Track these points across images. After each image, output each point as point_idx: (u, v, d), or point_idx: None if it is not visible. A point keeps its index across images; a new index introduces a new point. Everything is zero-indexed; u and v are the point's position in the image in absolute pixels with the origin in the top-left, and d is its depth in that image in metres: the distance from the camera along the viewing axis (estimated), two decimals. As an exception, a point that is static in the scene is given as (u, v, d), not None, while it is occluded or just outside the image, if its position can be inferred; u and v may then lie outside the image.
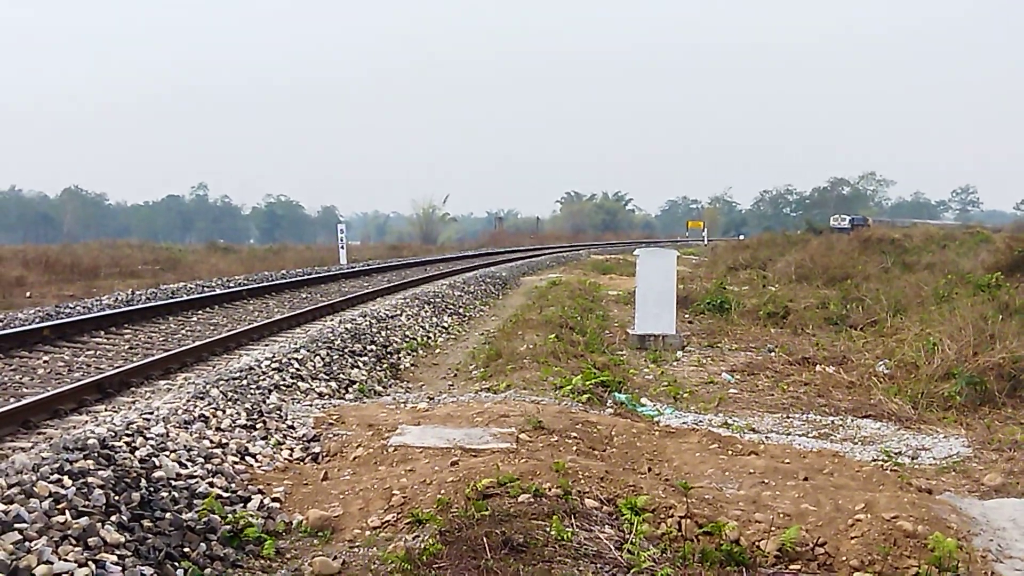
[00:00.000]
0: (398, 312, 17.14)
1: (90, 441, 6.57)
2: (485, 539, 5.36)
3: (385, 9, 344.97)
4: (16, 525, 5.23)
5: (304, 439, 8.35)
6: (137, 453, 6.76)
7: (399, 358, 13.83)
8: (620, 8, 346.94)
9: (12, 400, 9.48)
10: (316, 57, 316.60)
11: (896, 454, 9.12)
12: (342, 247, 39.42)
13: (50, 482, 5.78)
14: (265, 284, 23.51)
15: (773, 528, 6.41)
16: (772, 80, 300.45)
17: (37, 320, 15.20)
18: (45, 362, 12.04)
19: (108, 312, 15.96)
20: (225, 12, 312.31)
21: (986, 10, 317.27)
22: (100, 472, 6.13)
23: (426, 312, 18.23)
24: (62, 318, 15.31)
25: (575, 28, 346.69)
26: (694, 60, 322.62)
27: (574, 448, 7.88)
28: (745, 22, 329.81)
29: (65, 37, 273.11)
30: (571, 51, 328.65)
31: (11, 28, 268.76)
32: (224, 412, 8.51)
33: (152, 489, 6.25)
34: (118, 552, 5.37)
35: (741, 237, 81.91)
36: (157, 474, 6.51)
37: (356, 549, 5.98)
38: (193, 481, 6.65)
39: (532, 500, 6.31)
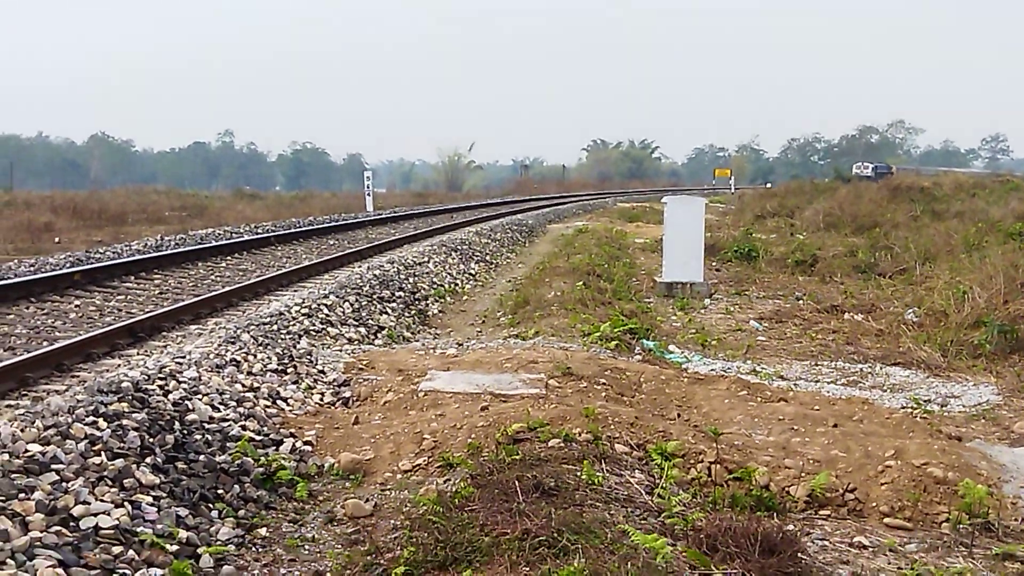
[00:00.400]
0: (425, 259, 17.15)
1: (124, 384, 6.63)
2: (517, 482, 5.38)
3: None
4: (53, 466, 5.30)
5: (334, 384, 8.40)
6: (170, 396, 6.81)
7: (427, 304, 13.86)
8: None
9: (45, 344, 9.55)
10: (341, 6, 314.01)
11: (925, 402, 9.12)
12: (368, 194, 39.38)
13: (86, 424, 5.84)
14: (292, 231, 23.53)
15: (803, 474, 6.44)
16: (800, 25, 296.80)
17: (67, 265, 15.24)
18: (76, 306, 12.09)
19: (138, 257, 16.02)
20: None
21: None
22: (134, 415, 6.18)
23: (453, 259, 18.23)
24: (92, 263, 15.36)
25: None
26: (721, 5, 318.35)
27: (603, 394, 7.90)
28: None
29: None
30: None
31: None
32: (255, 357, 8.55)
33: (186, 432, 6.31)
34: (153, 494, 5.43)
35: (768, 185, 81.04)
36: (190, 417, 6.56)
37: (388, 492, 6.04)
38: (226, 424, 6.71)
39: (562, 445, 6.34)
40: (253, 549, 5.29)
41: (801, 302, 15.05)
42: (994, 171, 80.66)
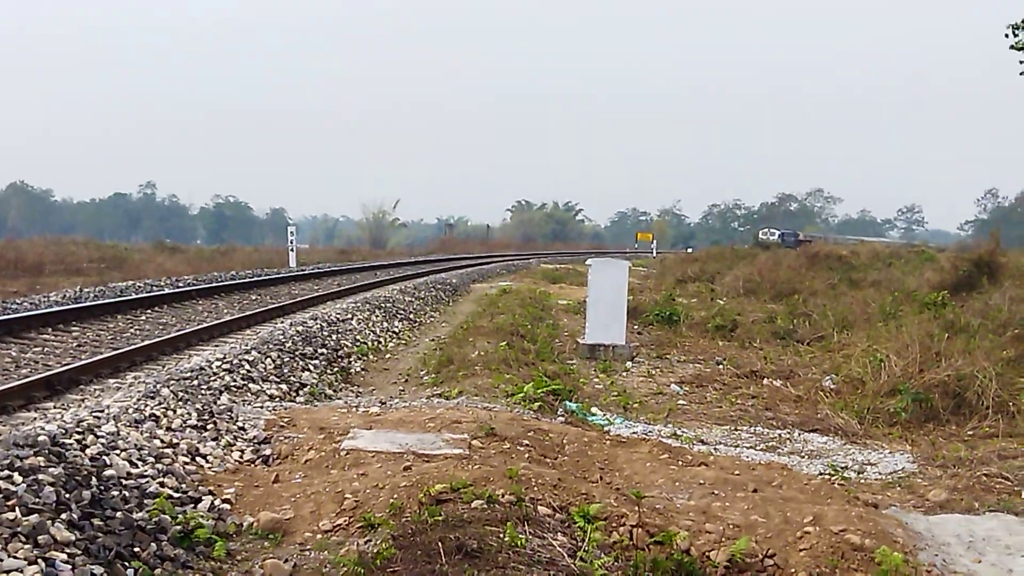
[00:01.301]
0: (349, 316, 17.09)
1: (40, 438, 6.50)
2: (439, 544, 5.36)
3: (332, 10, 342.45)
4: (-35, 521, 5.18)
5: (255, 441, 8.29)
6: (88, 451, 6.70)
7: (350, 362, 13.78)
8: (570, 21, 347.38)
9: (-47, 396, 9.36)
10: (267, 59, 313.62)
11: (843, 468, 9.23)
12: (292, 250, 39.17)
13: (0, 478, 5.71)
14: (214, 285, 23.33)
15: (723, 539, 6.47)
16: (723, 96, 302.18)
17: (-21, 315, 14.99)
18: (-10, 359, 11.90)
19: (56, 309, 15.79)
20: (178, 10, 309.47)
21: (929, 32, 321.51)
22: (51, 469, 6.06)
23: (377, 317, 18.18)
24: (8, 314, 15.11)
25: (525, 39, 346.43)
26: (644, 74, 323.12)
27: (526, 455, 7.90)
28: (696, 40, 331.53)
29: (6, 28, 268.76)
30: (521, 62, 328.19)
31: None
32: (175, 412, 8.44)
33: (103, 488, 6.19)
34: (68, 550, 5.32)
35: (690, 250, 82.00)
36: (108, 473, 6.45)
37: (307, 552, 5.96)
38: (144, 480, 6.60)
39: (485, 506, 6.32)
40: (169, 609, 5.20)
41: (721, 367, 15.20)
42: (909, 241, 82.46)
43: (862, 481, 8.78)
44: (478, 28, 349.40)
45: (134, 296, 19.14)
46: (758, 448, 10.10)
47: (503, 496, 6.53)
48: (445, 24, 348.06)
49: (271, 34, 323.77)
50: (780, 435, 10.82)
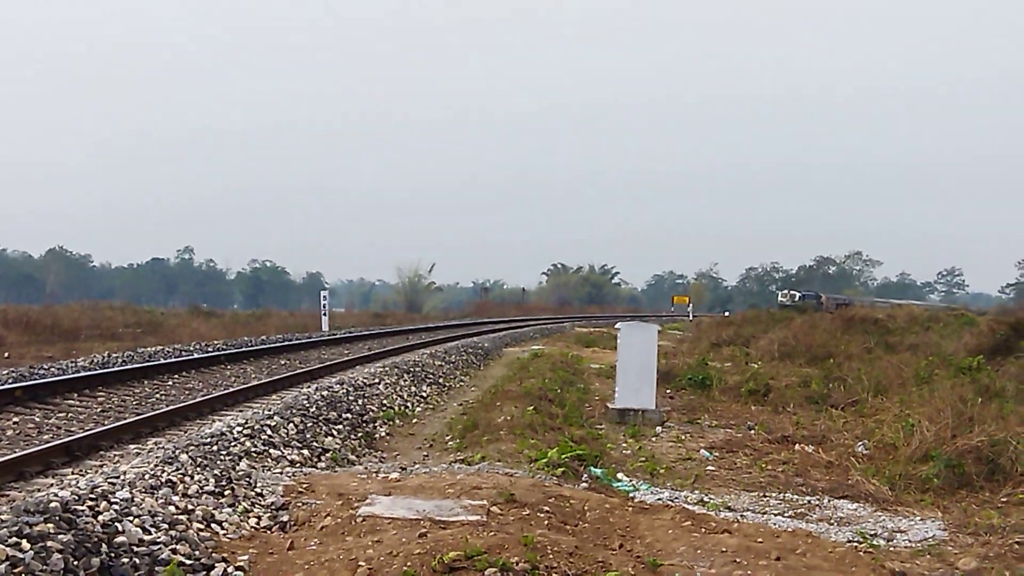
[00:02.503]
0: (376, 380, 17.09)
1: (52, 504, 6.49)
2: (448, 613, 5.29)
3: (362, 70, 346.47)
4: (-30, 589, 5.16)
5: (272, 507, 8.24)
6: (100, 517, 6.67)
7: (375, 427, 13.74)
8: (610, 82, 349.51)
9: (-26, 461, 9.39)
10: (306, 132, 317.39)
11: (872, 536, 9.05)
12: (324, 314, 39.43)
13: (7, 545, 5.71)
14: (244, 349, 23.44)
15: (742, 608, 6.36)
16: (760, 159, 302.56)
17: (10, 381, 15.11)
18: (15, 423, 11.95)
19: (83, 374, 15.90)
20: (216, 66, 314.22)
21: (974, 94, 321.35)
22: (60, 536, 6.05)
23: (405, 381, 18.16)
24: (35, 379, 15.25)
25: (562, 95, 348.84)
26: (681, 137, 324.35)
27: (545, 522, 7.82)
28: (731, 105, 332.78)
29: (47, 89, 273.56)
30: (553, 125, 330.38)
31: None
32: (192, 478, 8.40)
33: (113, 555, 6.17)
34: (74, 619, 5.30)
35: (726, 313, 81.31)
36: (119, 539, 6.42)
37: (319, 621, 5.90)
38: (156, 547, 6.56)
39: (498, 573, 6.25)
40: None
41: (752, 432, 15.05)
42: (949, 304, 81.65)
43: (891, 549, 8.60)
44: (512, 94, 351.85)
45: (162, 361, 19.27)
46: (786, 515, 9.94)
47: (517, 564, 6.45)
48: (476, 90, 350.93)
49: (303, 102, 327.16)
50: (810, 501, 10.64)
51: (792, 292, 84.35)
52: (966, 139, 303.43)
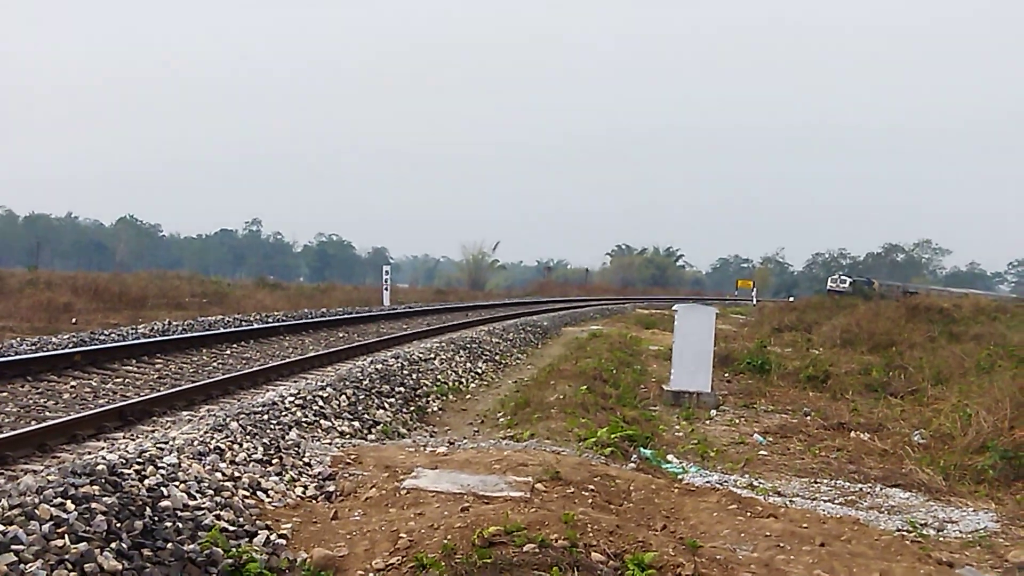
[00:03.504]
0: (432, 356, 17.12)
1: (99, 467, 6.56)
2: (483, 587, 5.28)
3: (429, 57, 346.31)
4: (13, 547, 5.23)
5: (319, 477, 8.29)
6: (146, 482, 6.73)
7: (427, 401, 13.78)
8: (677, 72, 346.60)
9: (33, 423, 9.52)
10: (376, 104, 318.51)
11: (922, 525, 8.94)
12: (386, 288, 39.57)
13: (52, 505, 5.77)
14: (304, 321, 23.60)
15: (782, 593, 6.30)
16: (830, 141, 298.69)
17: (71, 345, 15.31)
18: (72, 387, 12.11)
19: (142, 341, 16.08)
20: (279, 56, 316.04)
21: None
22: (105, 498, 6.11)
23: (461, 357, 18.19)
24: (95, 344, 15.43)
25: (626, 79, 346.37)
26: (752, 122, 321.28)
27: (589, 501, 7.78)
28: (800, 83, 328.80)
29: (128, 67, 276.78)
30: (626, 106, 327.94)
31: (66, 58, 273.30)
32: (241, 446, 8.47)
33: (156, 518, 6.22)
34: (115, 580, 5.35)
35: (791, 299, 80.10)
36: (163, 504, 6.48)
37: (358, 590, 5.93)
38: (200, 513, 6.61)
39: (537, 550, 6.23)
40: (211, 643, 5.19)
41: (808, 418, 14.92)
42: (1020, 295, 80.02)
43: (940, 539, 8.50)
44: (578, 69, 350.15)
45: (221, 330, 19.47)
46: (836, 502, 9.85)
47: (556, 541, 6.43)
48: (542, 65, 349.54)
49: (374, 75, 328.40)
50: (861, 489, 10.52)
51: (843, 276, 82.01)
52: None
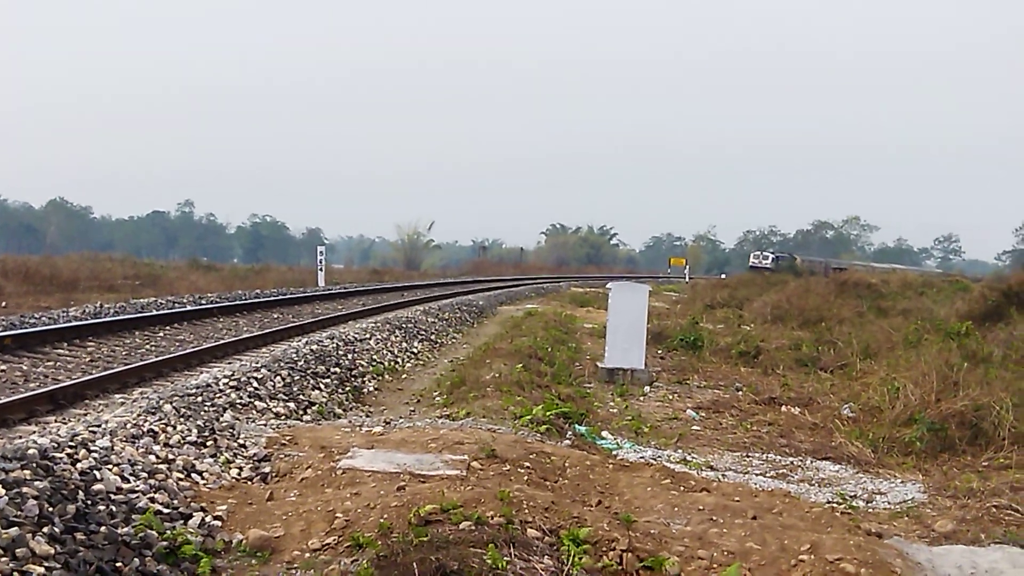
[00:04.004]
0: (367, 336, 17.05)
1: (30, 451, 6.48)
2: (418, 565, 5.29)
3: (377, 26, 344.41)
4: (-59, 533, 5.16)
5: (255, 458, 8.24)
6: (78, 465, 6.66)
7: (363, 382, 13.72)
8: (609, 42, 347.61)
9: (-42, 408, 9.38)
10: (302, 72, 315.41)
11: (851, 497, 9.09)
12: (320, 269, 39.40)
13: (-18, 491, 5.70)
14: (238, 303, 23.36)
15: (715, 565, 6.36)
16: (760, 120, 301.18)
17: (0, 329, 15.06)
18: (2, 371, 11.92)
19: (73, 324, 15.86)
20: (216, 24, 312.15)
21: (976, 60, 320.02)
22: (36, 483, 6.03)
23: (396, 337, 18.13)
24: (26, 328, 15.20)
25: (565, 48, 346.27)
26: (683, 97, 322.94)
27: (524, 478, 7.81)
28: (734, 56, 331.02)
29: (54, 42, 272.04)
30: (560, 78, 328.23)
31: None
32: (175, 428, 8.40)
33: (89, 502, 6.16)
34: (46, 564, 5.29)
35: (723, 276, 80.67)
36: (96, 487, 6.41)
37: (293, 571, 5.90)
38: (134, 496, 6.55)
39: (473, 527, 6.25)
40: (145, 626, 5.15)
41: (740, 393, 15.09)
42: (946, 271, 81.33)
43: (870, 510, 8.64)
44: (522, 53, 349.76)
45: (154, 313, 19.22)
46: (768, 475, 9.97)
47: (493, 518, 6.45)
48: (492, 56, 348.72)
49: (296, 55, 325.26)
50: (792, 463, 10.67)
51: (766, 253, 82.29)
52: (967, 110, 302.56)
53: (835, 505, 8.56)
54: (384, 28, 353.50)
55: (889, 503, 8.96)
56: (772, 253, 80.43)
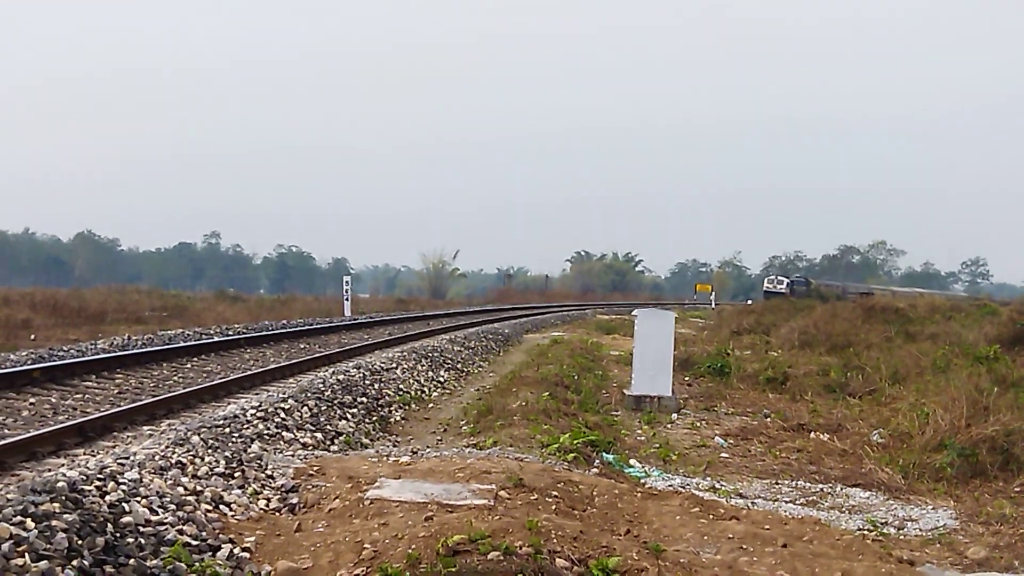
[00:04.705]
0: (394, 365, 17.05)
1: (59, 484, 6.48)
2: (446, 598, 5.26)
3: (400, 70, 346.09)
4: (-29, 567, 5.17)
5: (282, 489, 8.23)
6: (107, 498, 6.66)
7: (390, 411, 13.70)
8: (632, 74, 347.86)
9: (-12, 441, 9.41)
10: (332, 113, 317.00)
11: (882, 524, 9.00)
12: (347, 299, 39.48)
13: (12, 524, 5.70)
14: (265, 333, 23.40)
15: (745, 595, 6.31)
16: (784, 145, 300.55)
17: (29, 362, 15.13)
18: (31, 404, 11.95)
19: (102, 356, 15.90)
20: (240, 65, 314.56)
21: (998, 83, 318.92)
22: (65, 516, 6.05)
23: (423, 366, 18.12)
24: (55, 360, 15.26)
25: (587, 88, 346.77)
26: (708, 124, 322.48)
27: (552, 507, 7.78)
28: (757, 91, 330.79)
29: (78, 85, 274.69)
30: (586, 112, 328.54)
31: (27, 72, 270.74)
32: (203, 459, 8.40)
33: (118, 535, 6.16)
34: (76, 597, 5.30)
35: (749, 302, 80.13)
36: (125, 519, 6.42)
37: (321, 603, 5.89)
38: (163, 528, 6.56)
39: (501, 557, 6.22)
40: (175, 660, 5.15)
41: (768, 420, 15.00)
42: (973, 294, 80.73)
43: (901, 537, 8.55)
44: (536, 75, 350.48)
45: (182, 344, 19.27)
46: (798, 502, 9.89)
47: (521, 548, 6.42)
48: (511, 62, 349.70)
49: (325, 78, 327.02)
50: (822, 489, 10.58)
51: (780, 277, 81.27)
52: (995, 137, 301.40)
53: (866, 532, 8.48)
54: (416, 78, 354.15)
55: (920, 530, 8.87)
56: (787, 278, 79.54)
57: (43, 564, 5.40)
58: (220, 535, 6.85)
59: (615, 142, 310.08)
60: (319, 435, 11.09)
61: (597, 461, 10.83)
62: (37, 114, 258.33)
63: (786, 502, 9.86)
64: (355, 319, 33.26)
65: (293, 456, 9.58)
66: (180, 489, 7.48)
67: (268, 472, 8.67)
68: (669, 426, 14.49)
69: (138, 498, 6.92)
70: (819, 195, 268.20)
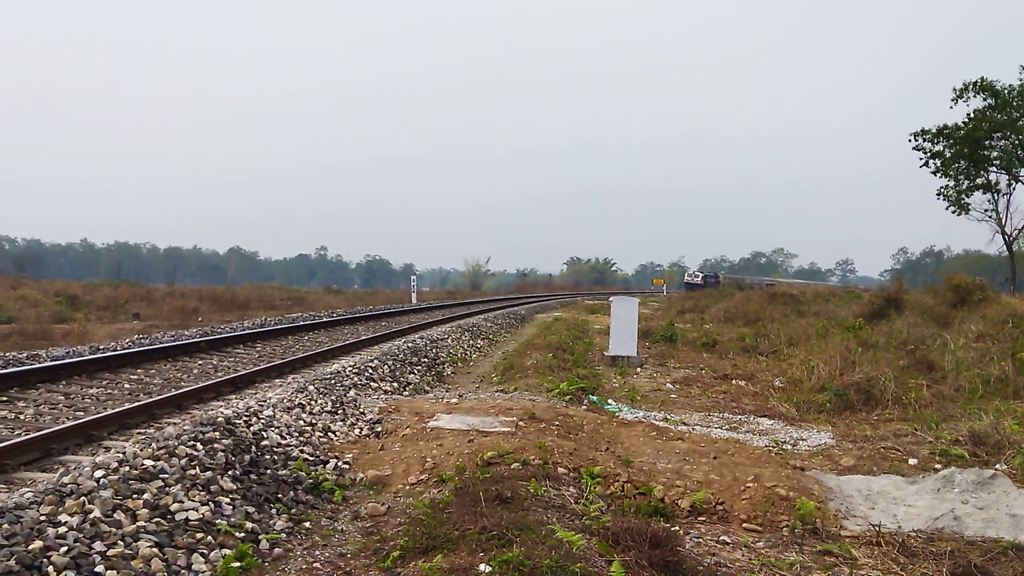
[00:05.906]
0: (446, 336, 17.01)
1: (218, 419, 6.53)
2: (483, 494, 5.28)
3: (447, 86, 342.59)
4: (160, 476, 5.21)
5: (370, 422, 8.24)
6: (251, 428, 6.71)
7: (443, 368, 13.67)
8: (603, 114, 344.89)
9: (172, 390, 9.46)
10: (426, 167, 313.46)
11: (782, 443, 8.96)
12: (414, 291, 39.53)
13: (187, 446, 5.75)
14: (358, 315, 23.35)
15: (688, 491, 6.31)
16: (718, 175, 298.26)
17: (198, 336, 15.19)
18: (199, 365, 12.00)
19: (247, 332, 15.93)
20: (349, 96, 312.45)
21: (864, 130, 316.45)
22: (223, 440, 6.10)
23: (465, 337, 18.07)
24: (215, 335, 15.31)
25: (576, 132, 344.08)
26: (674, 158, 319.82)
27: (555, 432, 7.77)
28: (685, 130, 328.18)
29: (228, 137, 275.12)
30: (579, 151, 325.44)
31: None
32: (316, 402, 8.43)
33: (259, 453, 6.21)
34: (231, 496, 5.34)
35: (678, 291, 78.90)
36: (264, 443, 6.46)
37: (398, 498, 5.92)
38: (289, 448, 6.60)
39: (520, 467, 6.24)
40: (298, 536, 5.18)
41: (703, 371, 14.92)
42: (844, 284, 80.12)
43: (795, 452, 8.51)
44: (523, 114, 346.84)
45: (301, 323, 19.28)
46: (724, 428, 9.84)
47: (534, 460, 6.44)
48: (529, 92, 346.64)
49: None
50: (740, 419, 10.53)
51: (696, 272, 78.60)
52: (860, 161, 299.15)
53: (771, 448, 8.44)
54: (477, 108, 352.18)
55: (808, 446, 8.83)
56: (701, 272, 77.08)
57: (208, 474, 5.44)
58: (328, 453, 6.89)
59: (605, 156, 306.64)
60: (395, 384, 11.08)
61: (586, 401, 10.83)
62: (201, 134, 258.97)
63: (715, 428, 9.81)
64: (419, 305, 33.22)
65: (378, 399, 9.60)
66: (301, 422, 7.53)
67: (361, 410, 8.69)
68: (635, 376, 14.43)
69: (272, 428, 6.96)
70: (738, 212, 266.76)
